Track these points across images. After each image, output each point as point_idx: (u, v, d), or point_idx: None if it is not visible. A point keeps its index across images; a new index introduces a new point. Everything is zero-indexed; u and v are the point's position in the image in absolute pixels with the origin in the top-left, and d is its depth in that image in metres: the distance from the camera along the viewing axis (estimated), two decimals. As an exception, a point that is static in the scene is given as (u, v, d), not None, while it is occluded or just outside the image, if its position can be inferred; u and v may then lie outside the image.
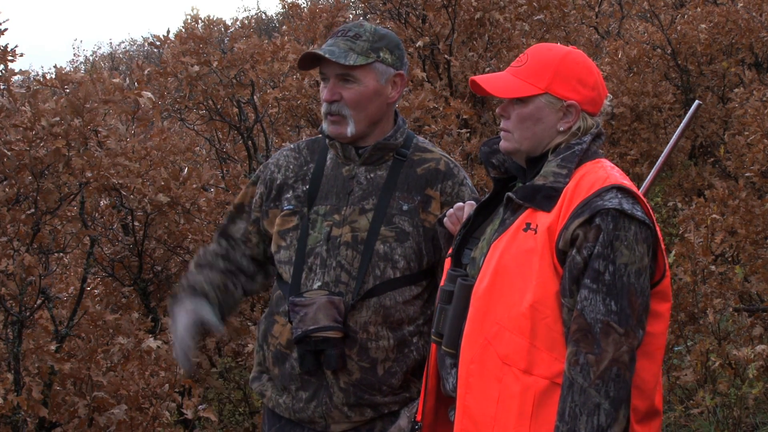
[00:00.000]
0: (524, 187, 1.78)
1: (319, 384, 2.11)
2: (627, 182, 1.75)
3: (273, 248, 2.20)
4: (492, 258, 1.74)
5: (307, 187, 2.17)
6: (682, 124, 2.04)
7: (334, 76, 2.11)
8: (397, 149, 2.17)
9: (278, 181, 2.22)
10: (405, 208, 2.11)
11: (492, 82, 1.82)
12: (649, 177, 2.05)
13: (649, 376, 1.73)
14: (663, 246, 1.75)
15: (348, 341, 2.07)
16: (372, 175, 2.15)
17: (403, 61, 2.17)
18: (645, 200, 1.76)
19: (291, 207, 2.17)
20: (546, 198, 1.73)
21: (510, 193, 1.78)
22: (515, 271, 1.70)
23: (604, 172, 1.76)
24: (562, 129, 1.79)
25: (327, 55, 2.09)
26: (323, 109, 2.14)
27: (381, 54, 2.13)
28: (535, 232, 1.70)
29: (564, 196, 1.72)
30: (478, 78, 1.83)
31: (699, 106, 2.08)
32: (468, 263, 1.85)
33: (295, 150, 2.26)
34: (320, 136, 2.27)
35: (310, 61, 2.13)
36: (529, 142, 1.79)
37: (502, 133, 1.83)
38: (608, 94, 1.86)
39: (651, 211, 1.75)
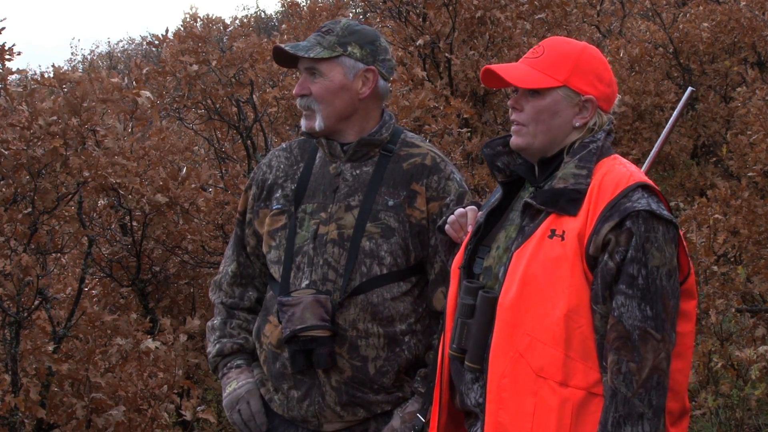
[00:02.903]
0: (544, 192, 1.72)
1: (311, 383, 2.10)
2: (647, 178, 1.72)
3: (264, 248, 2.19)
4: (517, 268, 1.69)
5: (295, 185, 2.17)
6: (676, 111, 2.01)
7: (303, 70, 2.12)
8: (383, 145, 2.15)
9: (269, 181, 2.21)
10: (391, 203, 2.10)
11: (509, 71, 1.76)
12: (645, 164, 2.00)
13: (681, 377, 1.71)
14: (685, 243, 1.73)
15: (338, 339, 2.06)
16: (358, 172, 2.14)
17: (377, 57, 2.14)
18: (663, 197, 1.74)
19: (279, 206, 2.16)
20: (570, 202, 1.68)
21: (528, 199, 1.73)
22: (544, 281, 1.66)
23: (625, 169, 1.72)
24: (577, 125, 1.75)
25: (287, 48, 2.10)
26: (298, 103, 2.15)
27: (348, 48, 2.11)
28: (562, 239, 1.66)
29: (589, 198, 1.68)
30: (495, 66, 1.78)
31: (692, 92, 2.05)
32: (481, 273, 1.80)
33: (286, 150, 2.25)
34: None
35: (285, 58, 2.14)
36: (544, 137, 1.75)
37: (514, 127, 1.77)
38: (618, 94, 1.83)
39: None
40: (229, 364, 2.23)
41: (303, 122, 2.14)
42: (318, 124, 2.11)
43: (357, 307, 2.07)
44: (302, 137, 2.28)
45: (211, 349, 2.25)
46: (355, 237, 2.07)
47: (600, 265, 1.64)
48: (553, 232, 1.67)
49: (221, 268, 2.32)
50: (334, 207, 2.11)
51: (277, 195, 2.18)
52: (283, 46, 2.11)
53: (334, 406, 2.09)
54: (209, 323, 2.30)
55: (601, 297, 1.64)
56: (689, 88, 2.06)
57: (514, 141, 1.78)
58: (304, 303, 2.04)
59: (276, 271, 2.15)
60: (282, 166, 2.21)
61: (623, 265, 1.62)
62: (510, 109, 1.79)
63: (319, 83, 2.10)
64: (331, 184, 2.14)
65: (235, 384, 2.19)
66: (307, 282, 2.08)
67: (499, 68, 1.77)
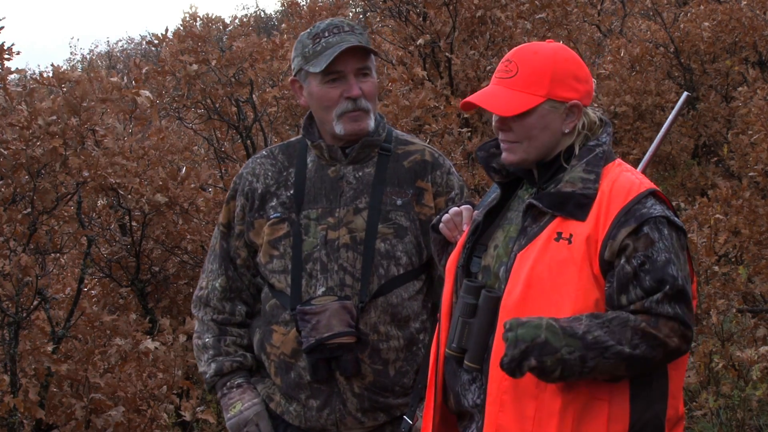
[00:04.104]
0: (550, 194, 1.71)
1: (330, 391, 2.07)
2: (655, 185, 1.73)
3: (263, 258, 2.13)
4: (521, 269, 1.68)
5: (292, 192, 2.12)
6: (670, 117, 2.00)
7: (353, 70, 2.06)
8: (381, 144, 2.13)
9: (259, 190, 2.15)
10: (399, 203, 2.09)
11: (490, 100, 1.74)
12: (640, 166, 1.99)
13: (678, 382, 1.71)
14: (689, 250, 1.73)
15: (360, 344, 2.04)
16: (360, 174, 2.11)
17: None
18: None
19: (278, 214, 2.11)
20: (578, 206, 1.67)
21: (534, 201, 1.72)
22: (549, 283, 1.65)
23: (633, 176, 1.73)
24: (567, 130, 1.74)
25: (371, 47, 2.07)
26: (344, 107, 2.06)
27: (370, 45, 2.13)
28: (569, 242, 1.65)
29: (599, 204, 1.67)
30: (474, 99, 1.76)
31: (688, 97, 2.04)
32: (479, 272, 1.79)
33: (270, 156, 2.19)
34: (292, 140, 2.22)
35: (349, 57, 2.05)
36: (537, 151, 1.74)
37: (504, 146, 1.76)
38: (595, 87, 1.83)
39: None
40: (228, 384, 2.16)
41: (346, 125, 2.06)
42: (371, 123, 2.09)
43: (378, 310, 2.05)
44: (282, 142, 2.24)
45: (207, 368, 2.17)
46: (368, 239, 2.05)
47: (616, 269, 1.63)
48: (559, 234, 1.66)
49: (204, 283, 2.22)
50: (342, 211, 2.08)
51: (273, 203, 2.12)
52: (371, 47, 2.07)
53: (356, 413, 2.07)
54: (198, 341, 2.21)
55: (616, 300, 1.64)
56: (684, 93, 2.05)
57: (508, 158, 1.75)
58: (330, 310, 2.01)
59: (281, 281, 2.10)
60: (269, 174, 2.15)
61: (641, 269, 1.62)
62: (496, 130, 1.77)
63: (370, 82, 2.08)
64: (334, 188, 2.10)
65: (240, 405, 2.13)
66: (323, 289, 2.05)
67: (480, 100, 1.75)
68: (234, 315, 2.20)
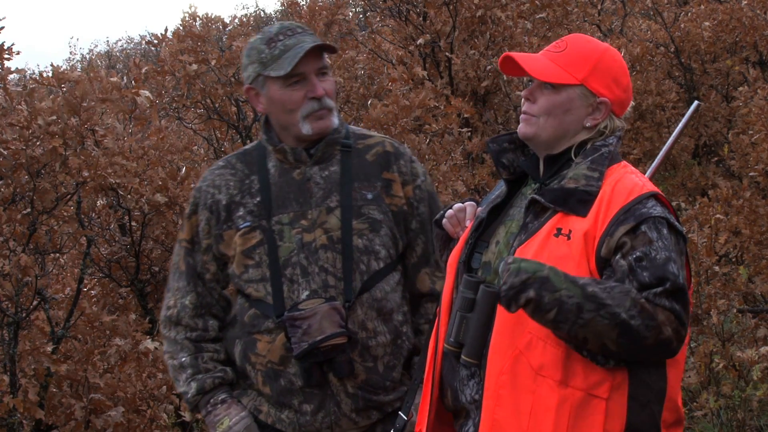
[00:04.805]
0: (553, 190, 1.72)
1: (323, 394, 2.07)
2: (658, 189, 1.73)
3: (237, 269, 2.10)
4: None
5: (259, 199, 2.09)
6: (680, 125, 2.01)
7: (314, 71, 2.06)
8: (342, 141, 2.13)
9: (223, 202, 2.11)
10: (370, 196, 2.09)
11: (529, 61, 1.76)
12: (648, 173, 2.00)
13: (676, 384, 1.70)
14: (688, 255, 1.73)
15: (351, 344, 2.04)
16: (326, 173, 2.10)
17: None
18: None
19: (248, 223, 2.08)
20: (580, 202, 1.68)
21: (536, 196, 1.72)
22: None
23: (638, 178, 1.73)
24: (588, 125, 1.75)
25: (334, 45, 2.09)
26: (310, 108, 2.05)
27: None
28: (568, 238, 1.65)
29: (601, 201, 1.68)
30: (515, 54, 1.77)
31: (698, 106, 2.04)
32: (479, 267, 1.79)
33: (228, 166, 2.16)
34: (247, 147, 2.20)
35: (312, 58, 2.06)
36: (552, 131, 1.74)
37: (523, 117, 1.77)
38: (632, 101, 1.83)
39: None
40: (212, 401, 2.12)
41: (313, 125, 2.06)
42: (335, 121, 2.09)
43: (364, 307, 2.06)
44: (237, 150, 2.23)
45: (187, 388, 2.13)
46: (345, 237, 2.05)
47: (613, 265, 1.63)
48: (559, 230, 1.67)
49: (171, 302, 2.16)
50: (314, 212, 2.07)
51: (240, 213, 2.10)
52: (332, 44, 2.08)
53: (350, 413, 2.07)
54: (174, 362, 2.16)
55: None
56: (695, 102, 2.06)
57: (522, 129, 1.77)
58: (321, 313, 2.00)
59: (259, 289, 2.08)
60: (231, 184, 2.12)
61: (637, 264, 1.61)
62: (522, 100, 1.79)
63: (330, 80, 2.09)
64: (301, 190, 2.08)
65: (228, 421, 2.10)
66: (306, 293, 2.04)
67: (520, 57, 1.76)
68: (207, 331, 2.16)
